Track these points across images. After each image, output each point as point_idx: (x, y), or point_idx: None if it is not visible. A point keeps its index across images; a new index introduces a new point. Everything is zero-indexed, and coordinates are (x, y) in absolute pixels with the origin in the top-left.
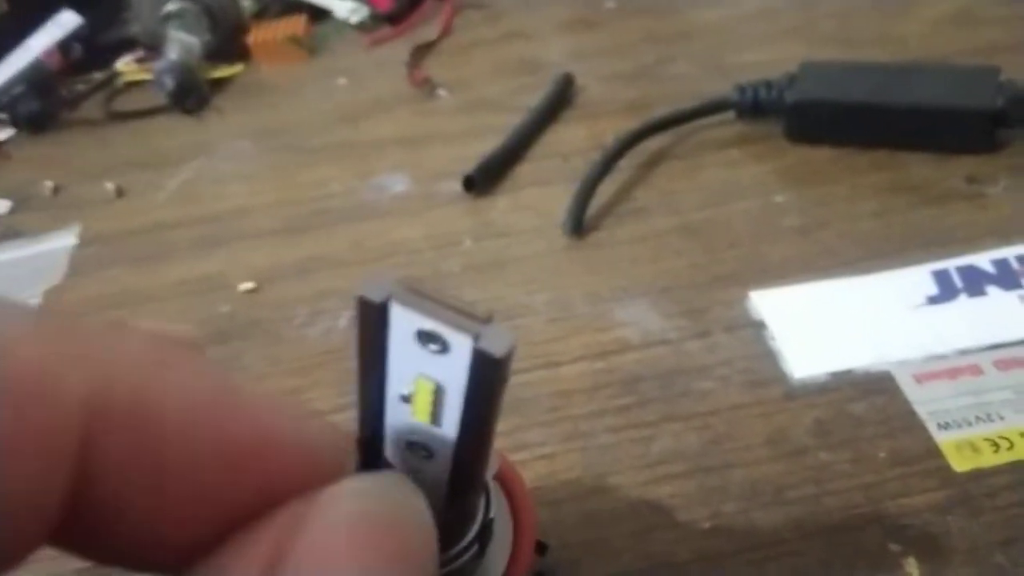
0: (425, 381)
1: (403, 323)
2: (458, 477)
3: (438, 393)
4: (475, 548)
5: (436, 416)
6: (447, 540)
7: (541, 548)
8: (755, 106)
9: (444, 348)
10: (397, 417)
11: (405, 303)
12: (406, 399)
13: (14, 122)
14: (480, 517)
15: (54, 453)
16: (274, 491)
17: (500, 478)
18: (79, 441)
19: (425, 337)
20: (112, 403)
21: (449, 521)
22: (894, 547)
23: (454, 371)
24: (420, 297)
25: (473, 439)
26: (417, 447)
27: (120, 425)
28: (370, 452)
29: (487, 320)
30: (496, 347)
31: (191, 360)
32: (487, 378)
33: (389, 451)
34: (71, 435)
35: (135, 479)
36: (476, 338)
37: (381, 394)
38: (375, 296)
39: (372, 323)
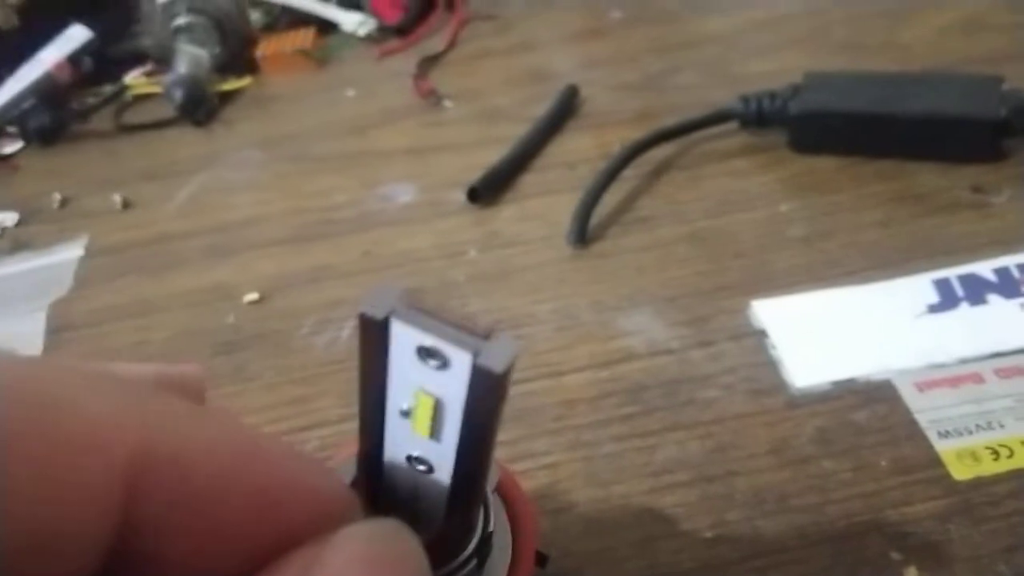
0: (425, 396)
1: (404, 339)
2: (457, 491)
3: (438, 408)
4: (473, 562)
5: (436, 431)
6: (446, 554)
7: (542, 560)
8: (759, 117)
9: (444, 364)
10: (397, 431)
11: (406, 319)
12: (406, 414)
13: (24, 135)
14: (479, 531)
15: (102, 501)
16: (293, 533)
17: (501, 490)
18: (124, 491)
19: (425, 353)
20: (155, 457)
21: (448, 535)
22: (896, 555)
23: (454, 386)
24: (421, 313)
25: (472, 454)
26: (417, 461)
27: (161, 477)
28: (370, 467)
29: (487, 335)
30: (496, 363)
31: (223, 417)
32: (487, 393)
33: (389, 465)
34: (118, 485)
35: (170, 526)
36: (476, 354)
37: (381, 408)
38: (376, 312)
39: (373, 338)
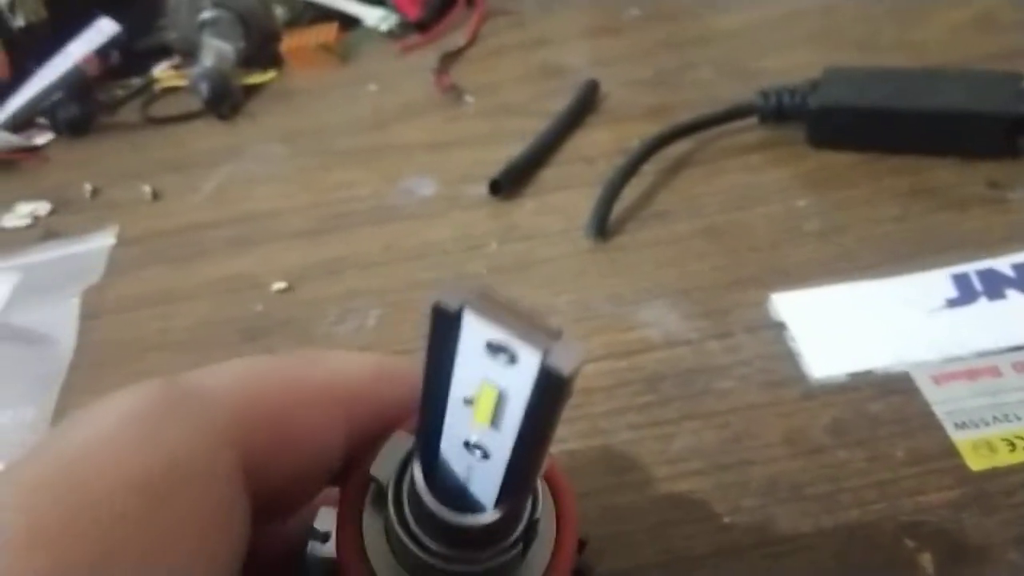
0: (489, 387)
1: (475, 331)
2: (510, 480)
3: (501, 399)
4: (519, 548)
5: (496, 420)
6: (492, 537)
7: (579, 545)
8: (778, 111)
9: (512, 359)
10: (458, 417)
11: (479, 312)
12: (469, 402)
13: (54, 126)
14: (527, 517)
15: (341, 432)
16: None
17: (547, 478)
18: (347, 426)
19: (495, 347)
20: (361, 411)
21: (504, 518)
22: (909, 543)
23: (520, 382)
24: (494, 307)
25: (530, 447)
26: (474, 447)
27: (366, 418)
28: (427, 446)
29: (557, 335)
30: (564, 364)
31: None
32: (551, 393)
33: (446, 446)
34: (344, 424)
35: (368, 437)
36: (545, 354)
37: (444, 395)
38: (450, 304)
39: (444, 329)
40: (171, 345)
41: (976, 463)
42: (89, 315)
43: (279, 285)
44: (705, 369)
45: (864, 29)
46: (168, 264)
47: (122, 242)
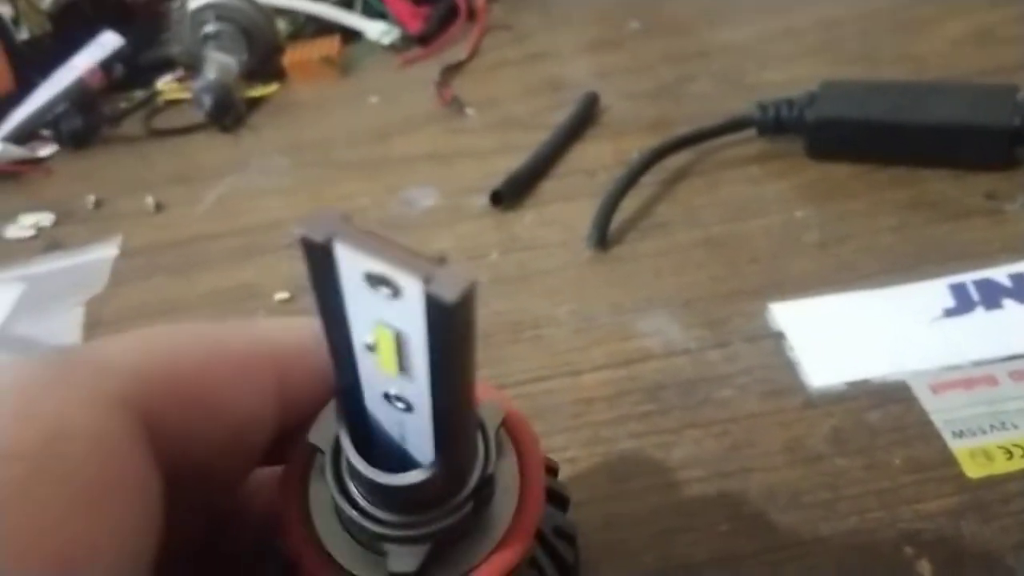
0: (384, 329)
1: (351, 265)
2: (440, 431)
3: (400, 342)
4: (470, 505)
5: (404, 366)
6: (435, 497)
7: (560, 500)
8: (776, 124)
9: (396, 292)
10: (368, 368)
11: (351, 242)
12: (372, 348)
13: (58, 138)
14: (477, 472)
15: (270, 400)
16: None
17: (510, 431)
18: (279, 396)
19: (375, 280)
20: (290, 377)
21: (440, 475)
22: (908, 551)
23: (411, 317)
24: (368, 236)
25: (447, 389)
26: (395, 399)
27: (296, 387)
28: (349, 404)
29: (440, 262)
30: (448, 291)
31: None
32: (445, 325)
33: (369, 403)
34: (275, 391)
35: (303, 409)
36: (427, 280)
37: (347, 343)
38: (317, 235)
39: (319, 265)
40: None
41: (974, 471)
42: (92, 325)
43: (281, 295)
44: (705, 378)
45: (864, 43)
46: (171, 275)
47: (125, 253)
